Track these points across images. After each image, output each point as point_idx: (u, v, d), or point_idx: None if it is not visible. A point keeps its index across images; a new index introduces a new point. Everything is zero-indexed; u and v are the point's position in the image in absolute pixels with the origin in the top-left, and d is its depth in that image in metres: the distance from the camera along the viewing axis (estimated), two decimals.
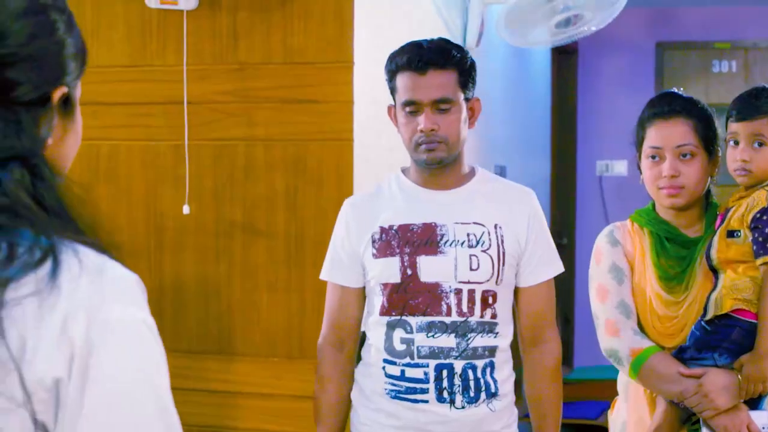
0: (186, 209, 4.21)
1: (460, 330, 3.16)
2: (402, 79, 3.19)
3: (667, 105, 3.27)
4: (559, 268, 3.34)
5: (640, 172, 3.34)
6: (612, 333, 3.23)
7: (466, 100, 3.21)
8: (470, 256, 3.16)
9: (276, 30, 4.15)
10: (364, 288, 3.31)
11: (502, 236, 3.20)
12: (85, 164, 4.34)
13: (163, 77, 4.27)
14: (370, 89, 4.17)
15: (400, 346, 3.19)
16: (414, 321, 3.17)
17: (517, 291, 3.29)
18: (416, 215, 3.22)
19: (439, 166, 3.20)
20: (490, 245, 3.18)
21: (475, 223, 3.20)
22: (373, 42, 4.25)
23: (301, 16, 4.12)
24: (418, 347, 3.16)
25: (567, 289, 8.63)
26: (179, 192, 4.25)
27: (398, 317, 3.19)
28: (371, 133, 4.21)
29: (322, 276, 3.36)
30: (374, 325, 3.26)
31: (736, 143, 3.16)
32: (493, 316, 3.20)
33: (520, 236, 3.23)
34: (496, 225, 3.21)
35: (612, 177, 9.12)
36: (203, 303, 4.28)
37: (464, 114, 3.20)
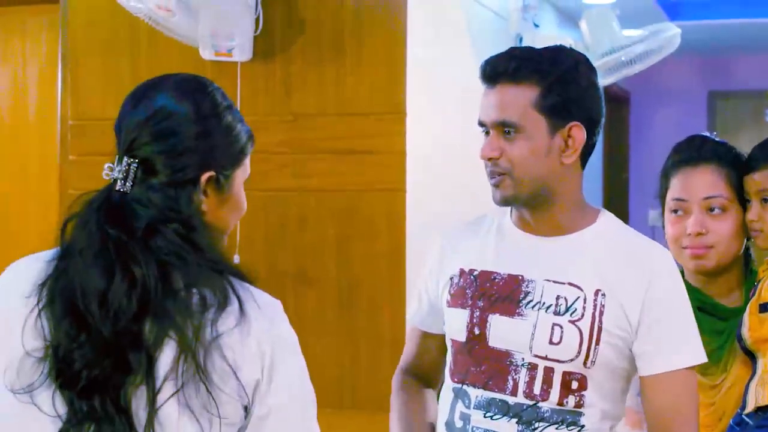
0: (236, 258, 4.23)
1: (525, 416, 2.44)
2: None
3: (695, 150, 2.81)
4: (694, 357, 2.47)
5: (664, 229, 2.86)
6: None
7: (555, 126, 2.45)
8: (553, 325, 2.44)
9: (329, 81, 4.17)
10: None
11: (602, 306, 2.43)
12: None
13: None
14: (422, 139, 4.18)
15: (458, 422, 2.54)
16: (473, 394, 2.51)
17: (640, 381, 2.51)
18: (503, 263, 2.54)
19: (515, 205, 2.54)
20: (582, 315, 2.43)
21: (570, 284, 2.46)
22: (426, 91, 4.26)
23: (353, 68, 4.14)
24: (473, 427, 2.50)
25: None
26: (231, 241, 4.27)
27: (460, 385, 2.55)
28: (424, 183, 4.22)
29: (408, 317, 2.86)
30: (444, 389, 2.63)
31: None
32: (579, 405, 2.44)
33: (631, 310, 2.44)
34: (599, 291, 2.44)
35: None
36: None
37: (542, 143, 2.44)
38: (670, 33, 5.07)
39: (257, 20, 4.19)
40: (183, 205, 1.95)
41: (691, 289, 2.62)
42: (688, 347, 2.46)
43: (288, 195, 4.23)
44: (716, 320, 2.75)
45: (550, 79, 2.43)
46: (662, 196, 2.85)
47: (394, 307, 4.06)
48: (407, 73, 4.09)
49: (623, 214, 9.16)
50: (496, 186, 2.48)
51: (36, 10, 5.39)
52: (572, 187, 2.51)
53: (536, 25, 5.77)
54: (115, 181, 1.96)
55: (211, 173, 2.00)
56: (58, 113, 4.58)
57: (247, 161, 2.11)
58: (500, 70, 2.45)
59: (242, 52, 4.16)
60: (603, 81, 5.40)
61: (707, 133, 2.94)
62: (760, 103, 9.02)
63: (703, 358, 2.46)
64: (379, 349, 4.09)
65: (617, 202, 9.10)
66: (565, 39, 5.39)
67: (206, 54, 4.15)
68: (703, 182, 2.75)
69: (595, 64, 5.23)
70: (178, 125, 2.00)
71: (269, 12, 4.21)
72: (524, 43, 5.28)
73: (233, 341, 1.90)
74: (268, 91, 4.26)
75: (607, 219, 2.56)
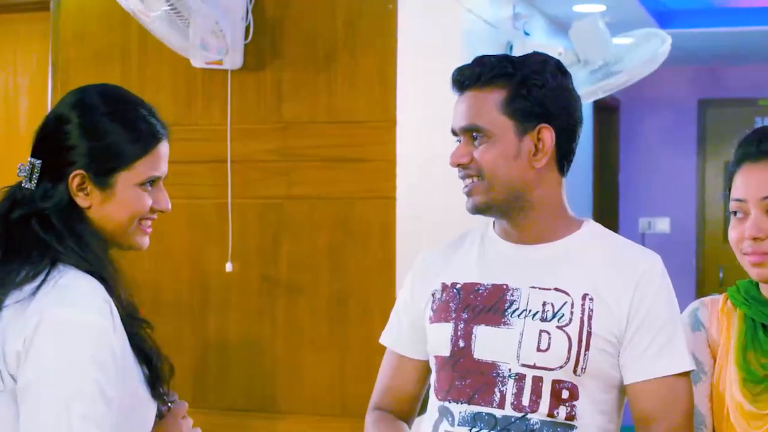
0: (229, 267, 4.23)
1: (514, 429, 2.33)
2: None
3: (755, 145, 2.41)
4: (680, 363, 2.36)
5: None
6: None
7: (523, 129, 2.39)
8: (540, 331, 2.35)
9: (320, 89, 4.18)
10: (428, 362, 2.56)
11: (591, 311, 2.35)
12: None
13: (208, 136, 4.31)
14: (413, 148, 4.19)
15: None
16: (457, 410, 2.39)
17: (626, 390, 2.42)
18: (486, 273, 2.46)
19: (489, 214, 2.48)
20: (570, 320, 2.34)
21: (556, 289, 2.38)
22: (417, 101, 4.27)
23: (344, 76, 4.15)
24: None
25: None
26: (223, 250, 4.27)
27: (443, 402, 2.43)
28: (415, 192, 4.22)
29: (381, 339, 2.71)
30: (429, 409, 2.50)
31: None
32: (570, 417, 2.33)
33: (620, 313, 2.35)
34: (586, 295, 2.36)
35: (655, 234, 9.07)
36: (247, 361, 4.28)
37: (511, 146, 2.39)
38: (661, 41, 5.08)
39: (248, 28, 4.20)
40: (45, 200, 2.16)
41: (759, 301, 2.40)
42: (673, 354, 2.36)
43: (279, 203, 4.23)
44: None
45: (515, 81, 2.39)
46: (727, 197, 2.45)
47: (385, 316, 4.02)
48: (398, 81, 4.09)
49: (613, 222, 9.17)
50: (468, 194, 2.45)
51: (27, 18, 5.38)
52: (549, 193, 2.45)
53: (527, 34, 5.78)
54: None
55: (78, 172, 2.16)
56: None
57: (144, 165, 2.22)
58: (467, 76, 2.44)
59: (233, 61, 4.17)
60: (596, 96, 5.42)
61: None
62: (751, 111, 9.03)
63: (690, 366, 2.36)
64: (370, 357, 4.08)
65: (607, 209, 9.11)
66: (556, 47, 5.41)
67: (197, 62, 4.15)
68: (763, 180, 2.36)
69: (587, 89, 5.25)
70: (56, 130, 2.19)
71: (260, 20, 4.21)
72: (515, 52, 5.29)
73: (10, 313, 2.07)
74: (258, 99, 4.26)
75: (592, 226, 2.51)
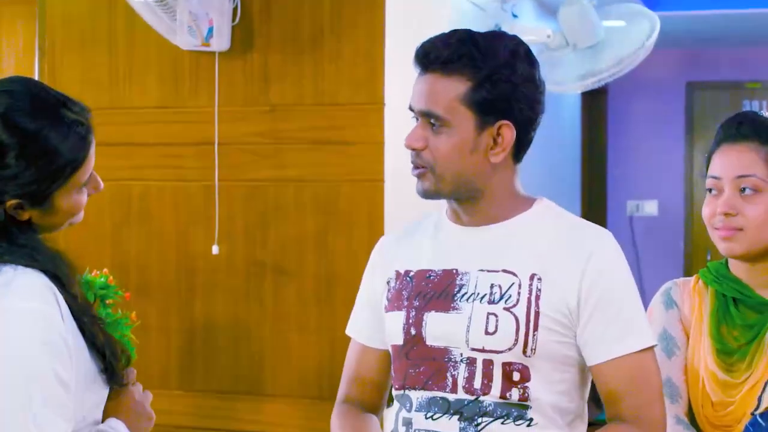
0: (215, 249, 4.23)
1: (467, 412, 2.31)
2: None
3: (734, 127, 2.55)
4: (640, 340, 2.32)
5: None
6: None
7: (483, 123, 2.32)
8: (488, 314, 2.31)
9: (307, 72, 4.17)
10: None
11: (538, 290, 2.30)
12: (117, 204, 4.36)
13: (195, 118, 4.30)
14: (401, 130, 4.16)
15: (401, 429, 2.41)
16: (414, 396, 2.37)
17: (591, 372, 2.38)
18: (438, 259, 2.42)
19: (438, 198, 2.44)
20: (517, 302, 2.30)
21: (504, 270, 2.33)
22: (404, 83, 4.25)
23: (332, 59, 4.14)
24: (415, 430, 2.37)
25: None
26: (209, 232, 4.27)
27: (402, 391, 2.41)
28: (403, 175, 4.21)
29: (346, 329, 2.67)
30: (394, 400, 2.49)
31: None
32: (524, 398, 2.30)
33: (569, 293, 2.30)
34: (534, 276, 2.31)
35: (643, 217, 9.08)
36: (233, 343, 4.28)
37: (468, 139, 2.32)
38: (650, 25, 5.07)
39: (235, 10, 4.18)
40: None
41: (731, 279, 2.55)
42: (633, 330, 2.31)
43: (266, 185, 4.23)
44: (751, 312, 2.53)
45: (481, 75, 2.30)
46: (705, 176, 2.59)
47: None
48: (386, 63, 4.08)
49: (601, 205, 9.19)
50: (417, 177, 2.40)
51: (12, 2, 5.36)
52: (502, 182, 2.39)
53: (515, 16, 5.77)
54: None
55: (15, 202, 2.12)
56: None
57: (79, 174, 2.16)
58: (432, 57, 2.36)
59: (220, 43, 4.16)
60: (587, 88, 5.41)
61: (759, 111, 2.65)
62: (738, 93, 9.04)
63: (651, 341, 2.32)
64: None
65: (595, 192, 9.12)
66: (544, 30, 5.40)
67: (184, 44, 4.14)
68: (738, 160, 2.50)
69: (578, 78, 5.23)
70: None
71: (247, 2, 4.20)
72: None
73: None
74: (246, 82, 4.25)
75: (544, 205, 2.44)
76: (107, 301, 3.68)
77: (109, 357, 2.17)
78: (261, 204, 4.24)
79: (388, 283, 2.49)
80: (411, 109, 2.41)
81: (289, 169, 4.20)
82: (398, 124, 4.14)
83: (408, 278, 2.44)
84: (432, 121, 2.34)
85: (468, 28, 2.39)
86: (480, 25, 5.21)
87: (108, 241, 4.41)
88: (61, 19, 4.52)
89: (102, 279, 3.69)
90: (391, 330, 2.43)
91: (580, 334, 2.30)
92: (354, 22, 4.11)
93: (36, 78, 4.53)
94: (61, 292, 2.11)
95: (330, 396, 4.15)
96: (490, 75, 2.30)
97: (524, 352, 2.28)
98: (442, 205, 2.52)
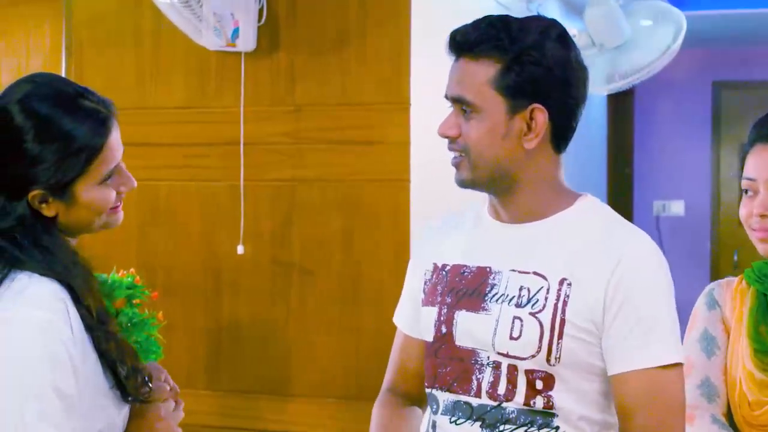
0: (240, 249, 4.23)
1: (489, 418, 2.24)
2: None
3: (767, 127, 2.50)
4: (664, 355, 2.18)
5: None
6: (687, 419, 2.32)
7: (514, 108, 2.24)
8: (514, 318, 2.22)
9: (333, 72, 4.17)
10: None
11: (566, 296, 2.20)
12: (144, 204, 4.37)
13: (221, 119, 4.31)
14: (426, 130, 4.18)
15: (429, 431, 2.36)
16: (441, 398, 2.32)
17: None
18: (473, 255, 2.35)
19: (476, 189, 2.36)
20: (543, 307, 2.21)
21: (535, 273, 2.24)
22: (430, 83, 4.25)
23: (357, 58, 4.14)
24: None
25: None
26: (235, 232, 4.27)
27: (430, 390, 2.36)
28: (428, 174, 4.21)
29: (394, 317, 2.63)
30: None
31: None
32: (548, 406, 2.21)
33: (596, 300, 2.19)
34: (564, 280, 2.21)
35: (669, 217, 9.06)
36: (259, 343, 4.28)
37: (500, 125, 2.24)
38: (676, 26, 5.05)
39: (261, 10, 4.19)
40: (4, 217, 2.13)
41: None
42: (656, 343, 2.17)
43: (291, 185, 4.23)
44: None
45: (509, 57, 2.22)
46: (741, 177, 2.54)
47: (397, 298, 4.05)
48: (411, 63, 4.08)
49: (627, 205, 9.16)
50: (455, 167, 2.32)
51: (40, 1, 5.38)
52: (540, 172, 2.30)
53: None
54: None
55: (36, 193, 2.12)
56: None
57: (99, 163, 2.15)
58: (462, 42, 2.29)
59: (246, 43, 4.16)
60: (614, 90, 5.39)
61: None
62: (766, 93, 9.00)
63: (677, 358, 2.18)
64: (383, 340, 4.08)
65: (621, 192, 9.09)
66: (570, 30, 5.39)
67: (209, 45, 4.15)
68: None
69: (605, 79, 5.22)
70: (9, 143, 2.12)
71: (273, 2, 4.20)
72: None
73: None
74: (271, 82, 4.26)
75: (586, 203, 2.33)
76: (134, 301, 3.69)
77: (121, 373, 2.14)
78: (286, 204, 4.24)
79: (425, 275, 2.44)
80: (446, 97, 2.34)
81: (315, 169, 4.20)
82: (424, 124, 4.14)
83: (444, 272, 2.38)
84: (463, 107, 2.27)
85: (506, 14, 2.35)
86: None
87: (134, 241, 4.42)
88: (87, 18, 4.53)
89: (129, 279, 3.70)
90: (425, 326, 2.38)
91: (603, 342, 2.20)
92: (379, 22, 4.11)
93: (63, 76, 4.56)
94: (74, 303, 2.09)
95: (356, 395, 4.16)
96: (518, 56, 2.22)
97: (548, 360, 2.19)
98: (475, 200, 2.47)
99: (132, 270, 3.78)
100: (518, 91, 2.22)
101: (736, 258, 8.66)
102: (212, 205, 4.34)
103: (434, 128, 3.82)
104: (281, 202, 4.25)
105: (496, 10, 5.04)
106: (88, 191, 2.16)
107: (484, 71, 2.24)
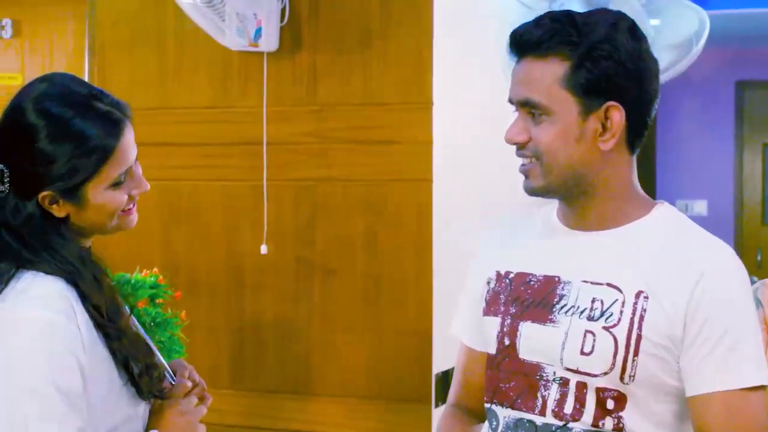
0: (264, 249, 4.24)
1: None
2: None
3: None
4: (747, 377, 2.04)
5: None
6: None
7: (588, 107, 2.10)
8: (585, 332, 2.09)
9: (355, 71, 4.17)
10: None
11: (643, 311, 2.06)
12: (166, 204, 4.38)
13: (243, 118, 4.31)
14: (449, 129, 4.18)
15: None
16: (501, 414, 2.19)
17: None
18: (540, 263, 2.22)
19: (547, 197, 2.22)
20: (618, 321, 2.06)
21: (609, 284, 2.10)
22: (452, 82, 4.25)
23: (380, 58, 4.14)
24: None
25: None
26: (257, 232, 4.28)
27: (489, 405, 2.23)
28: (451, 173, 4.21)
29: (451, 327, 2.48)
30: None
31: None
32: (618, 428, 2.07)
33: (675, 315, 2.05)
34: (640, 293, 2.07)
35: (692, 217, 8.86)
36: (282, 343, 4.29)
37: (573, 126, 2.10)
38: (698, 21, 5.04)
39: (283, 10, 4.19)
40: (15, 216, 2.13)
41: None
42: (739, 364, 2.04)
43: (314, 185, 4.23)
44: None
45: (579, 52, 2.07)
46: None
47: (420, 298, 4.06)
48: (434, 63, 4.08)
49: None
50: (525, 174, 2.16)
51: (64, 2, 5.40)
52: (616, 175, 2.17)
53: None
54: None
55: (47, 194, 2.12)
56: None
57: (110, 167, 2.14)
58: (525, 41, 2.12)
59: (268, 43, 4.17)
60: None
61: None
62: None
63: (760, 380, 2.04)
64: (405, 340, 4.09)
65: (644, 192, 9.07)
66: None
67: (233, 45, 4.15)
68: None
69: None
70: (22, 143, 2.12)
71: (295, 2, 4.21)
72: None
73: None
74: (294, 82, 4.26)
75: (663, 211, 2.21)
76: (157, 301, 3.70)
77: (134, 370, 2.14)
78: (309, 204, 4.25)
79: (488, 283, 2.30)
80: (510, 102, 2.18)
81: (337, 169, 4.20)
82: (446, 123, 4.14)
83: (507, 280, 2.24)
84: (532, 110, 2.12)
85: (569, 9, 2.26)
86: None
87: (157, 240, 4.43)
88: (110, 19, 4.55)
89: (152, 278, 3.71)
90: (487, 337, 2.26)
91: (683, 360, 2.06)
92: (402, 22, 4.11)
93: (86, 78, 4.57)
94: (82, 301, 2.09)
95: (377, 395, 4.16)
96: (589, 51, 2.08)
97: (621, 378, 2.06)
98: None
99: (155, 269, 3.80)
100: (591, 88, 2.09)
101: (759, 258, 8.64)
102: (235, 204, 4.35)
103: (457, 127, 3.81)
104: (304, 201, 4.25)
105: (518, 10, 5.04)
106: (99, 194, 2.16)
107: (553, 70, 2.09)
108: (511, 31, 2.16)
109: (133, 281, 3.65)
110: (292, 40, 4.24)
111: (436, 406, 4.01)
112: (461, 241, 4.20)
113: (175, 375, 2.31)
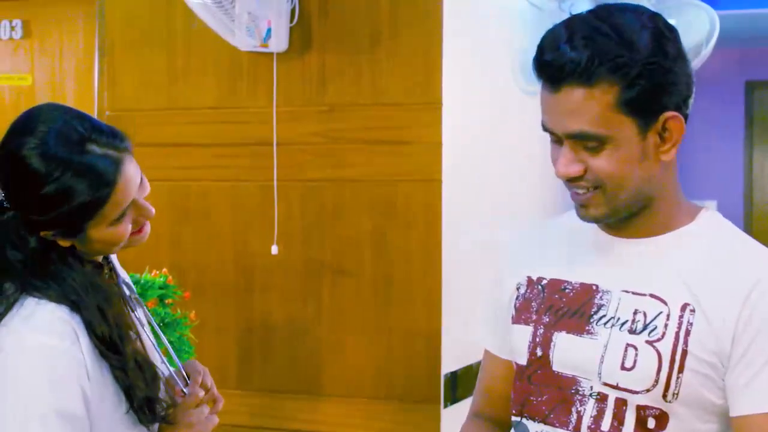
0: (274, 249, 4.24)
1: None
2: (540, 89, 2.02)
3: None
4: None
5: None
6: None
7: (646, 124, 1.96)
8: (627, 345, 1.97)
9: (365, 72, 4.17)
10: None
11: (689, 325, 1.94)
12: (176, 204, 4.38)
13: (253, 119, 4.31)
14: (458, 130, 4.17)
15: None
16: (533, 429, 2.09)
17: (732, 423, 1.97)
18: (576, 270, 2.10)
19: (605, 222, 2.08)
20: (663, 335, 1.95)
21: (652, 296, 1.99)
22: (462, 82, 4.25)
23: (389, 58, 4.13)
24: None
25: None
26: (267, 232, 4.28)
27: (519, 418, 2.13)
28: (460, 174, 4.21)
29: (479, 335, 2.38)
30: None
31: None
32: None
33: (724, 330, 1.92)
34: (686, 306, 1.96)
35: None
36: (291, 343, 4.29)
37: (635, 147, 1.96)
38: (709, 21, 5.02)
39: (293, 11, 4.19)
40: (18, 247, 2.13)
41: None
42: None
43: (323, 185, 4.23)
44: None
45: (631, 72, 1.91)
46: None
47: (429, 299, 4.06)
48: (443, 63, 4.07)
49: None
50: (583, 204, 2.02)
51: (74, 2, 5.41)
52: (669, 184, 2.08)
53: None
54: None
55: (48, 233, 2.13)
56: (95, 105, 4.60)
57: (111, 206, 2.12)
58: (566, 68, 1.91)
59: (278, 43, 4.17)
60: None
61: None
62: None
63: None
64: (414, 340, 4.09)
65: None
66: None
67: (243, 45, 4.15)
68: None
69: None
70: (21, 185, 2.10)
71: (305, 2, 4.21)
72: None
73: None
74: (304, 82, 4.26)
75: (709, 218, 2.09)
76: (167, 301, 3.70)
77: (133, 396, 2.13)
78: (318, 204, 4.25)
79: (517, 289, 2.19)
80: (546, 129, 2.01)
81: (347, 169, 4.20)
82: (455, 124, 4.14)
83: (540, 287, 2.13)
84: (588, 144, 1.96)
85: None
86: (538, 25, 5.19)
87: (166, 240, 4.43)
88: (120, 19, 4.55)
89: (161, 279, 3.71)
90: (516, 346, 2.15)
91: (729, 377, 1.94)
92: (411, 22, 4.11)
93: (95, 78, 4.58)
94: (86, 328, 2.09)
95: (386, 396, 4.16)
96: (642, 69, 1.92)
97: (664, 396, 1.95)
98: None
99: (164, 270, 3.80)
100: (647, 104, 1.95)
101: None
102: (244, 205, 4.35)
103: (466, 128, 3.80)
104: (313, 202, 4.25)
105: (527, 10, 5.04)
106: (101, 231, 2.16)
107: (604, 95, 1.92)
108: (535, 52, 1.98)
109: (142, 281, 3.65)
110: (302, 41, 4.24)
111: (445, 406, 4.01)
112: (471, 241, 4.20)
113: (188, 378, 2.30)
